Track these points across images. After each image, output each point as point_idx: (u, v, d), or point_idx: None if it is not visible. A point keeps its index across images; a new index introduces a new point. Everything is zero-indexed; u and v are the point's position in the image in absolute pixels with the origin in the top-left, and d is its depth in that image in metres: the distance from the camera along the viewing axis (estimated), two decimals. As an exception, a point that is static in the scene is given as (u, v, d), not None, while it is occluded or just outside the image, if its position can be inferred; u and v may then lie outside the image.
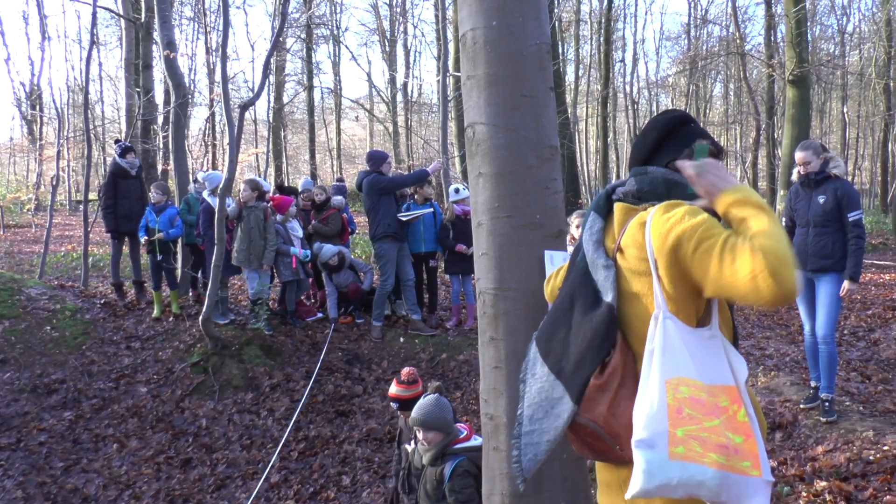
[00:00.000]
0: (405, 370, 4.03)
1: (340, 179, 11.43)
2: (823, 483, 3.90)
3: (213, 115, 20.94)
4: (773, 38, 21.31)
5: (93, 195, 9.89)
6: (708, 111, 34.43)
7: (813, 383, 4.90)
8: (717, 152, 1.86)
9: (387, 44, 28.68)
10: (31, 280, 8.62)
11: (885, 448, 4.11)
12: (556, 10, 17.80)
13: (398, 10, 28.26)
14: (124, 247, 8.01)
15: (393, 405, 4.07)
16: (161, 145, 12.31)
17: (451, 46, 13.34)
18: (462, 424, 3.55)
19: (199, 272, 7.92)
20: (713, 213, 1.66)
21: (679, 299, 1.64)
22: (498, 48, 2.34)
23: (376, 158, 7.43)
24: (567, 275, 1.91)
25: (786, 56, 15.40)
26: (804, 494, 3.84)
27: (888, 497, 3.65)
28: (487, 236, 2.43)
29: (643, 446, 1.51)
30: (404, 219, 7.14)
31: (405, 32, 29.16)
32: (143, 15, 11.34)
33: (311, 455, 5.92)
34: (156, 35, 10.41)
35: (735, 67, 26.94)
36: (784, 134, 15.86)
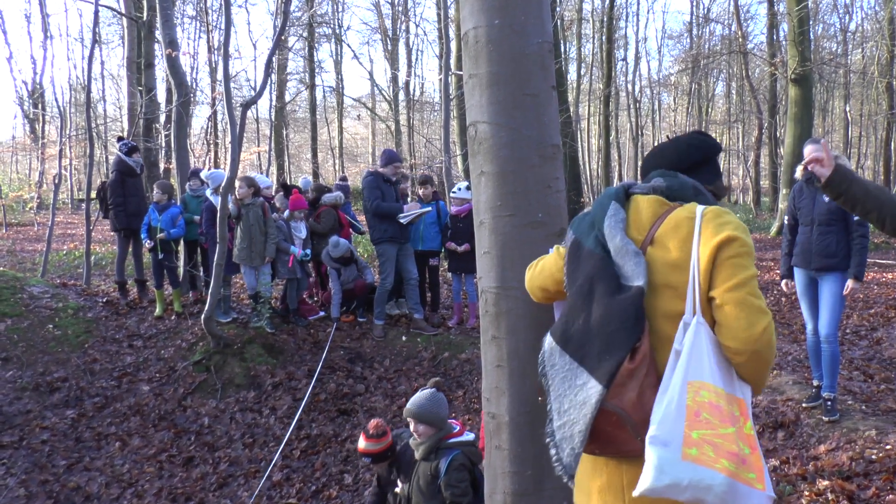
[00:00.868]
0: (372, 423, 3.74)
1: (343, 178, 11.42)
2: (826, 482, 3.89)
3: (215, 113, 20.96)
4: (775, 37, 21.31)
5: (91, 194, 9.87)
6: (710, 110, 34.41)
7: (815, 382, 4.89)
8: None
9: (389, 42, 28.71)
10: (34, 278, 8.64)
11: (888, 447, 4.10)
12: (558, 9, 17.79)
13: (400, 8, 28.30)
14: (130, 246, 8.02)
15: (365, 459, 3.79)
16: (163, 144, 12.34)
17: (453, 45, 13.35)
18: (454, 421, 3.56)
19: (202, 271, 7.94)
20: None
21: (705, 304, 1.65)
22: (500, 47, 2.34)
23: (384, 156, 7.48)
24: (576, 263, 1.85)
25: (788, 54, 15.39)
26: (806, 493, 3.84)
27: (890, 496, 3.65)
28: (489, 235, 2.43)
29: (657, 443, 1.50)
30: (404, 221, 7.13)
31: (407, 31, 29.21)
32: (145, 13, 11.37)
33: (313, 454, 5.93)
34: (158, 34, 10.43)
35: (737, 66, 26.93)
36: (786, 133, 15.85)
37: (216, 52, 19.66)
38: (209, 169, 9.55)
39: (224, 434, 6.13)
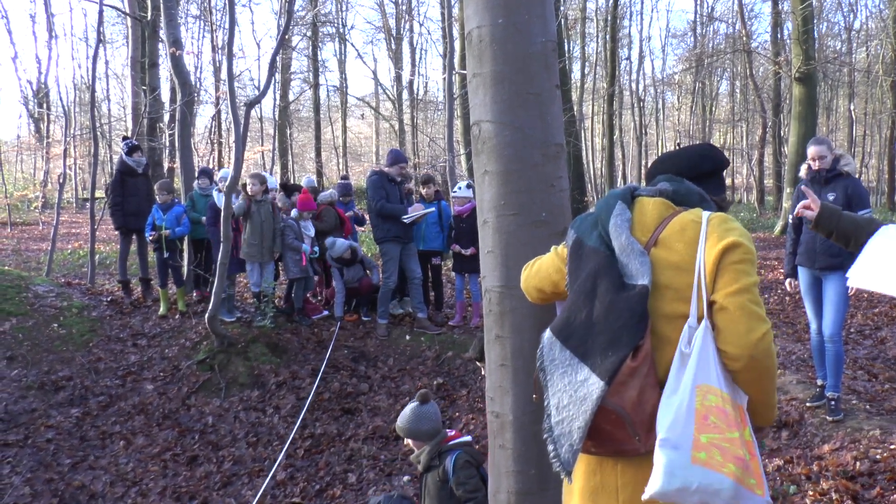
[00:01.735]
0: None
1: (345, 177, 11.44)
2: (830, 482, 3.88)
3: (219, 112, 20.98)
4: (779, 36, 21.26)
5: (99, 193, 9.93)
6: (714, 109, 34.34)
7: (819, 382, 4.88)
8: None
9: (393, 41, 28.70)
10: (39, 277, 8.66)
11: (892, 447, 4.09)
12: (562, 8, 17.76)
13: (404, 7, 28.29)
14: (132, 244, 8.05)
15: None
16: (167, 143, 12.35)
17: (457, 44, 13.34)
18: (449, 430, 3.57)
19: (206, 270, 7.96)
20: None
21: (708, 308, 1.65)
22: (504, 46, 2.34)
23: (390, 156, 7.50)
24: (578, 261, 1.85)
25: (792, 53, 15.35)
26: (810, 493, 3.83)
27: (895, 496, 3.64)
28: (493, 234, 2.43)
29: (667, 446, 1.50)
30: (407, 221, 7.14)
31: (411, 30, 29.20)
32: (149, 13, 11.38)
33: (317, 453, 5.94)
34: (162, 33, 10.43)
35: (741, 65, 26.85)
36: (790, 131, 15.81)
37: (220, 51, 19.68)
38: (216, 168, 9.58)
39: (228, 433, 6.15)
